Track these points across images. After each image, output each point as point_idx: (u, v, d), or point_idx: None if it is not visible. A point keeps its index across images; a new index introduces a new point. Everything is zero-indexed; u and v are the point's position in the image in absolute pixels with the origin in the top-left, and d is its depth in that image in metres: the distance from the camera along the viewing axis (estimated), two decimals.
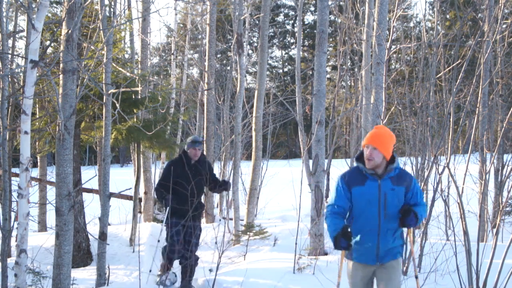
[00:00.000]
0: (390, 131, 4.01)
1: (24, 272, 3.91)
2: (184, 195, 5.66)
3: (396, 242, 3.96)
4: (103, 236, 6.13)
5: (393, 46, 8.38)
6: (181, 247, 5.86)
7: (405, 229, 4.13)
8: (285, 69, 41.25)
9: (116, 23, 7.24)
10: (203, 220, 10.94)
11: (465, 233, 4.96)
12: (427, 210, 4.01)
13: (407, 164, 8.28)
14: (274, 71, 39.28)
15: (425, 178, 6.92)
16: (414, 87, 9.71)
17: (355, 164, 4.04)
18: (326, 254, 7.31)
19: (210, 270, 6.23)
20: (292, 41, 41.39)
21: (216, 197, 12.95)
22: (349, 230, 3.76)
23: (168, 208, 5.84)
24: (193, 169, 5.91)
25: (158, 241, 6.29)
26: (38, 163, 10.99)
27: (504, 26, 9.21)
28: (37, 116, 7.74)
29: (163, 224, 6.01)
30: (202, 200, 6.16)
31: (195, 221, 5.90)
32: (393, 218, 3.87)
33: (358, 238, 3.94)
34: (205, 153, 10.80)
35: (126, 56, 12.84)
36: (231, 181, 6.49)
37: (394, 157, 3.97)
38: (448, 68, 8.32)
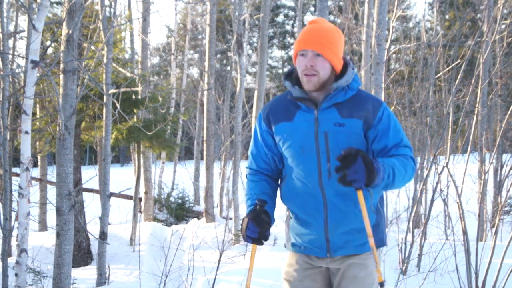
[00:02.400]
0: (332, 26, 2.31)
1: (25, 271, 3.93)
2: None
3: (362, 220, 2.19)
4: (103, 235, 6.15)
5: (393, 46, 8.41)
6: None
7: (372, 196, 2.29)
8: (285, 69, 41.26)
9: (116, 23, 7.26)
10: (203, 220, 10.95)
11: (464, 232, 4.98)
12: (414, 168, 2.23)
13: None
14: (274, 71, 39.27)
15: (424, 178, 6.94)
16: (414, 87, 9.74)
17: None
18: None
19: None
20: (292, 41, 41.39)
21: (216, 197, 12.98)
22: (265, 210, 2.27)
23: None
24: None
25: None
26: (39, 163, 11.00)
27: (503, 26, 9.23)
28: (38, 116, 7.76)
29: None
30: None
31: None
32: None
33: (293, 213, 2.37)
34: (204, 153, 10.82)
35: (126, 56, 12.86)
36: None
37: (347, 68, 2.27)
38: (448, 68, 8.33)
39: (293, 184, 2.31)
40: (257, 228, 2.24)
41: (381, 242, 2.37)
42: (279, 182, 2.47)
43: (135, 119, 8.01)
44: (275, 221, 2.37)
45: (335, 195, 2.23)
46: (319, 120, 2.22)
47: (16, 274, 3.90)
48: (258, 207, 2.26)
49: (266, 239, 2.28)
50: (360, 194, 2.10)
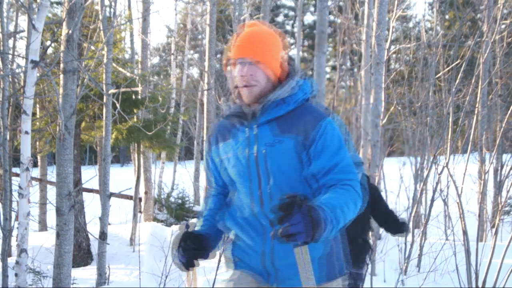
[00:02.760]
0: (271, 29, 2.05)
1: (25, 271, 3.93)
2: (346, 234, 4.02)
3: (313, 249, 1.87)
4: (103, 235, 6.15)
5: (393, 46, 8.41)
6: None
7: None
8: None
9: (116, 23, 7.26)
10: None
11: (464, 232, 4.98)
12: (360, 198, 1.88)
13: (406, 164, 8.33)
14: None
15: (424, 178, 6.95)
16: (414, 87, 9.74)
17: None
18: None
19: None
20: (292, 41, 41.40)
21: None
22: (193, 234, 2.03)
23: None
24: None
25: None
26: (39, 163, 11.00)
27: (503, 26, 9.24)
28: (38, 116, 7.76)
29: None
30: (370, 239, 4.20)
31: (360, 269, 4.09)
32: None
33: (238, 234, 2.08)
34: (204, 153, 10.81)
35: (126, 56, 12.87)
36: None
37: (290, 77, 1.99)
38: (448, 68, 8.33)
39: (234, 210, 2.06)
40: (181, 257, 1.99)
41: (332, 274, 2.01)
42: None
43: (135, 119, 8.01)
44: (219, 243, 2.15)
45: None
46: (254, 138, 1.96)
47: (16, 274, 3.91)
48: (186, 231, 2.01)
49: (193, 265, 2.01)
50: (297, 251, 1.74)
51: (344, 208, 1.77)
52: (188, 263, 1.99)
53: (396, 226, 4.17)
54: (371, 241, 4.14)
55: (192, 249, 1.98)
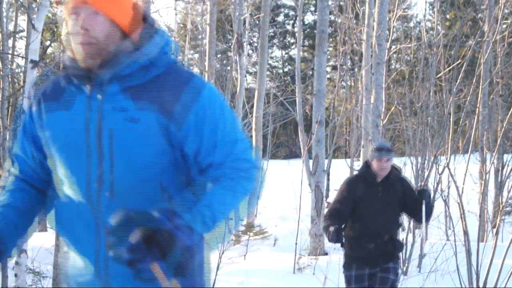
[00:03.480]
0: None
1: (24, 272, 3.92)
2: (369, 229, 3.72)
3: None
4: None
5: (393, 46, 8.40)
6: None
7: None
8: (285, 69, 41.26)
9: None
10: None
11: (465, 233, 4.97)
12: (252, 176, 1.47)
13: (406, 164, 8.32)
14: (274, 71, 39.26)
15: (425, 178, 6.93)
16: (414, 87, 9.73)
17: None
18: (326, 254, 7.32)
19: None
20: (292, 41, 41.40)
21: None
22: None
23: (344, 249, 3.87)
24: (380, 190, 3.75)
25: None
26: None
27: (504, 26, 9.22)
28: None
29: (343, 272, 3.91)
30: (399, 236, 3.99)
31: (387, 264, 3.75)
32: (131, 192, 1.46)
33: (67, 245, 1.68)
34: None
35: None
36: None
37: (147, 34, 1.48)
38: (448, 68, 8.32)
39: (64, 203, 1.56)
40: None
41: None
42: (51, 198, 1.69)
43: None
44: (16, 247, 1.66)
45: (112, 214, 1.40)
46: (102, 111, 1.45)
47: (15, 275, 3.89)
48: None
49: None
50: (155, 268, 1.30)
51: (226, 197, 1.43)
52: None
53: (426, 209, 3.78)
54: (401, 239, 3.91)
55: None
